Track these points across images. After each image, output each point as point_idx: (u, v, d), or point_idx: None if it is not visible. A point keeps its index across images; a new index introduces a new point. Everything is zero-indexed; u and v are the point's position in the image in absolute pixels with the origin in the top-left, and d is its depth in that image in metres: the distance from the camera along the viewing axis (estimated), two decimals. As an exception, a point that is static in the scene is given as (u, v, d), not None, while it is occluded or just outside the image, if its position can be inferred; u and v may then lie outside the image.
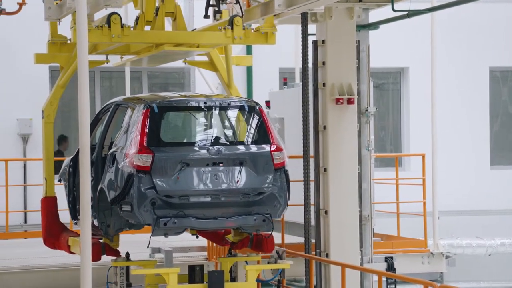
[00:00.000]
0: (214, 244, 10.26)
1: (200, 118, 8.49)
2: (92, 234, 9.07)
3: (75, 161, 9.04)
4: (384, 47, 15.04)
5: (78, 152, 9.05)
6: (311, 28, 10.01)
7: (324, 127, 9.88)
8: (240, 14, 9.17)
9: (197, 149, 7.96)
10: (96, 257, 8.32)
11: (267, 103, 12.27)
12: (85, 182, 6.55)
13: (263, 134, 8.17)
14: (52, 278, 10.08)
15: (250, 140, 8.17)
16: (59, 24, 9.09)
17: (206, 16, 9.33)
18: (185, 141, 8.48)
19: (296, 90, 12.02)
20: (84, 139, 6.56)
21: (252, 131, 8.23)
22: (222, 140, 8.12)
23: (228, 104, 8.26)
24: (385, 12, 10.61)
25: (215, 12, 9.29)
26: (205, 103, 8.20)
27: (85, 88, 6.48)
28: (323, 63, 9.87)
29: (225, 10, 9.25)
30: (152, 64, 10.98)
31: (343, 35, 9.80)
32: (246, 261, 8.96)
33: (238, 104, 8.28)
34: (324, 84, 9.88)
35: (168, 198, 7.82)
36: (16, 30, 13.73)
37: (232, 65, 9.74)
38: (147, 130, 7.88)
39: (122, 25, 8.38)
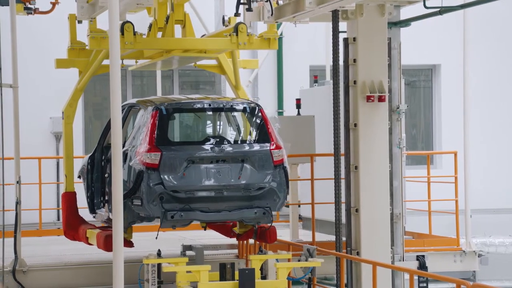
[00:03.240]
0: (245, 242, 10.31)
1: (205, 119, 9.20)
2: (107, 227, 9.49)
3: (92, 159, 9.58)
4: (415, 44, 14.94)
5: (95, 150, 9.67)
6: (342, 25, 9.98)
7: (355, 125, 9.85)
8: (270, 12, 9.22)
9: (202, 147, 8.56)
10: (110, 247, 8.58)
11: (298, 101, 12.26)
12: (117, 180, 6.62)
13: (263, 134, 8.75)
14: (85, 274, 10.18)
15: (251, 139, 8.78)
16: (91, 23, 9.24)
17: (236, 14, 9.37)
18: (191, 140, 9.18)
19: (327, 88, 11.99)
20: (116, 138, 6.64)
21: (253, 130, 8.82)
22: (225, 139, 8.72)
23: (231, 106, 8.90)
24: (416, 8, 10.54)
25: (223, 21, 9.66)
26: (210, 105, 8.84)
27: (117, 87, 6.56)
28: (354, 60, 9.84)
29: (233, 18, 9.65)
30: (165, 67, 11.76)
31: (374, 32, 9.76)
32: (276, 259, 8.98)
33: (240, 105, 8.90)
34: (355, 82, 9.85)
35: (175, 193, 8.42)
36: (50, 29, 13.85)
37: (239, 68, 10.27)
38: (156, 130, 8.51)
39: (134, 33, 8.90)
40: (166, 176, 8.38)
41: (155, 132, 8.50)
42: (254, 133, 8.80)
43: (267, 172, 8.58)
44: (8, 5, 10.20)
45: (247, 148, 8.67)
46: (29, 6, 10.47)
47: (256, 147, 8.69)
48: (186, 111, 9.12)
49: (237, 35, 9.07)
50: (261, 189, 8.56)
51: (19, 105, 10.30)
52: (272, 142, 8.73)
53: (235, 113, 8.95)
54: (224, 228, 9.74)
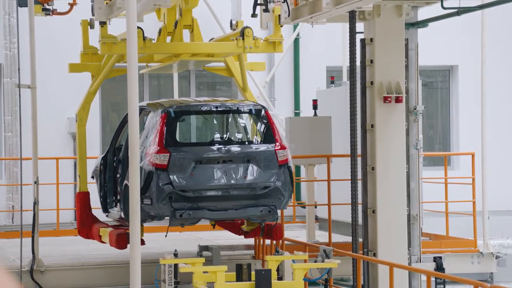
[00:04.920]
0: (261, 242, 10.32)
1: (212, 121, 9.57)
2: (120, 225, 9.71)
3: (105, 160, 9.88)
4: (433, 45, 14.87)
5: (108, 151, 9.98)
6: (359, 26, 9.96)
7: (372, 126, 9.83)
8: (287, 13, 9.22)
9: (209, 148, 8.85)
10: (122, 245, 9.19)
11: (314, 102, 12.24)
12: (134, 181, 6.65)
13: (268, 134, 9.01)
14: (102, 274, 10.22)
15: (256, 139, 9.07)
16: (109, 24, 9.32)
17: (253, 15, 9.39)
18: (198, 141, 9.65)
19: (344, 89, 11.97)
20: (134, 138, 6.66)
21: (259, 131, 9.10)
22: (232, 140, 9.02)
23: (237, 108, 9.21)
24: (434, 9, 10.50)
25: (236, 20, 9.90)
26: (216, 107, 9.15)
27: (135, 87, 6.58)
28: (371, 61, 9.81)
29: (240, 21, 9.89)
30: (172, 71, 12.00)
31: (391, 33, 9.74)
32: (293, 260, 8.98)
33: (246, 107, 9.20)
34: (372, 83, 9.83)
35: (184, 193, 8.67)
36: (67, 30, 13.92)
37: (246, 70, 10.58)
38: (164, 132, 8.80)
39: (144, 38, 9.16)
40: (174, 176, 8.65)
41: (164, 134, 8.78)
42: (259, 134, 9.07)
43: (272, 171, 8.83)
44: (26, 6, 10.26)
45: (252, 148, 8.93)
46: (47, 7, 10.50)
47: (262, 147, 8.94)
48: (193, 114, 9.55)
49: (243, 39, 9.29)
50: (266, 188, 8.81)
51: (37, 106, 10.36)
52: (277, 143, 8.97)
53: (241, 115, 9.26)
54: (233, 226, 9.97)
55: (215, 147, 8.84)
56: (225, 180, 8.72)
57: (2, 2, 14.13)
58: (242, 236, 10.06)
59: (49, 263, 10.19)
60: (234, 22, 9.92)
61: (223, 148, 8.82)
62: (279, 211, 8.99)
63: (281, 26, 9.45)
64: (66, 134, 14.50)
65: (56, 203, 12.64)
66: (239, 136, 9.26)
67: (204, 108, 9.19)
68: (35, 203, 10.11)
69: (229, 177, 8.73)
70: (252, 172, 8.79)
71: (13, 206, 14.02)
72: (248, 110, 9.16)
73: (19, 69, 10.58)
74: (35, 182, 10.15)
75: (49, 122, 14.08)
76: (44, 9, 10.48)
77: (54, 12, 10.58)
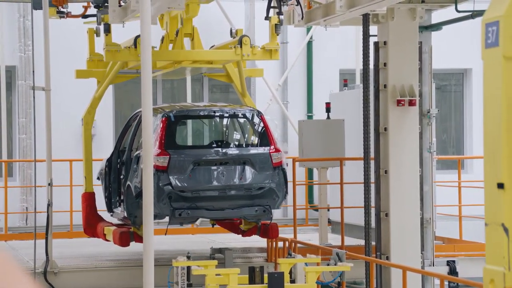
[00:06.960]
0: (274, 245, 10.34)
1: (210, 125, 10.12)
2: (123, 224, 10.00)
3: (110, 162, 10.27)
4: (447, 48, 14.84)
5: (112, 153, 10.38)
6: (373, 29, 9.95)
7: (385, 129, 9.81)
8: (301, 16, 9.25)
9: (207, 151, 9.25)
10: (125, 243, 9.58)
11: (327, 105, 12.23)
12: (148, 184, 6.67)
13: (263, 138, 9.41)
14: (115, 276, 10.25)
15: (252, 143, 9.48)
16: (123, 27, 9.41)
17: (267, 18, 9.42)
18: (197, 144, 10.14)
19: (357, 92, 11.96)
20: (147, 139, 6.68)
21: (254, 135, 9.50)
22: (229, 143, 9.44)
23: (234, 112, 9.62)
24: (448, 12, 10.48)
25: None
26: (214, 112, 9.59)
27: (149, 90, 6.61)
28: (385, 64, 9.80)
29: (240, 30, 10.20)
30: (176, 76, 12.38)
31: (405, 36, 9.72)
32: (305, 263, 8.98)
33: (243, 112, 9.63)
34: (385, 86, 9.81)
35: (182, 193, 9.05)
36: (81, 33, 13.97)
37: (245, 76, 10.91)
38: (164, 136, 9.17)
39: None
40: (174, 177, 9.01)
41: (164, 137, 9.13)
42: (255, 138, 9.44)
43: (267, 173, 9.20)
44: (41, 9, 10.31)
45: (248, 151, 9.29)
46: (62, 10, 10.55)
47: (257, 150, 9.30)
48: (192, 118, 9.99)
49: (241, 47, 9.56)
50: (261, 189, 9.17)
51: (51, 108, 10.42)
52: (272, 146, 9.32)
53: (238, 119, 9.62)
54: (232, 226, 10.29)
55: (212, 150, 9.22)
56: (222, 181, 9.09)
57: (17, 4, 14.21)
58: (255, 239, 10.13)
59: (62, 265, 10.23)
60: (234, 31, 10.24)
61: (221, 151, 9.19)
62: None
63: (278, 35, 9.73)
64: (80, 136, 14.54)
65: (69, 205, 12.68)
66: (236, 139, 9.65)
67: (203, 113, 9.62)
68: (49, 204, 10.16)
69: (226, 178, 9.09)
70: (248, 173, 9.15)
71: (26, 207, 14.09)
72: (244, 115, 9.54)
73: (33, 71, 10.62)
74: (48, 184, 10.19)
75: (63, 124, 14.14)
76: (59, 12, 10.54)
77: (68, 14, 10.64)
